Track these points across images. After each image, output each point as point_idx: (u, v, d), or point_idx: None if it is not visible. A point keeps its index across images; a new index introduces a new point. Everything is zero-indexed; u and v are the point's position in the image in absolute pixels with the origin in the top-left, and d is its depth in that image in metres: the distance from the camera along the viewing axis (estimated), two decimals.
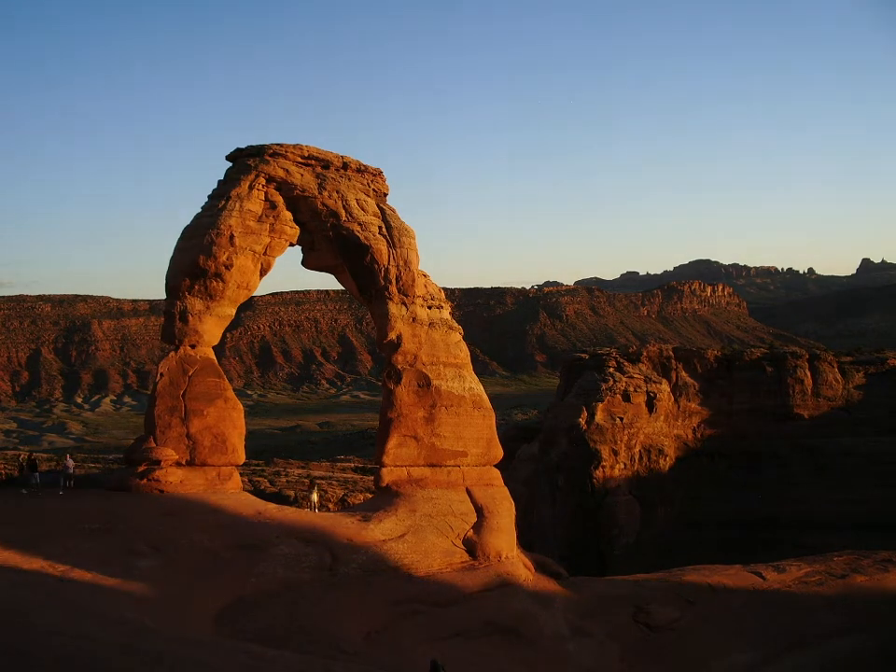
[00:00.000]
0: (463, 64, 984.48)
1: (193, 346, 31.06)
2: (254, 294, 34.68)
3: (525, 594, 30.62)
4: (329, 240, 32.13)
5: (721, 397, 69.40)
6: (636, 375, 66.08)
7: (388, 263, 31.87)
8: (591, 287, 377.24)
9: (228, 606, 22.59)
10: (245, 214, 30.42)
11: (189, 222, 31.22)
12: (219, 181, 32.06)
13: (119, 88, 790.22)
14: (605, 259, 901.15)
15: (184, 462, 29.63)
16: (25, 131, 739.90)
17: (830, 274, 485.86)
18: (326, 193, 31.49)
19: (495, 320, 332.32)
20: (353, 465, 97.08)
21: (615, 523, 60.16)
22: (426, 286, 34.04)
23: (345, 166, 32.91)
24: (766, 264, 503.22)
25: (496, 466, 34.70)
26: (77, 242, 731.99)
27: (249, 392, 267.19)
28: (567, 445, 62.63)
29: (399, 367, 32.65)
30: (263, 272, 32.10)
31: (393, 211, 33.43)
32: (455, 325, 35.13)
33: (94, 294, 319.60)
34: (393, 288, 32.09)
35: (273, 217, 31.28)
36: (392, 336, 32.31)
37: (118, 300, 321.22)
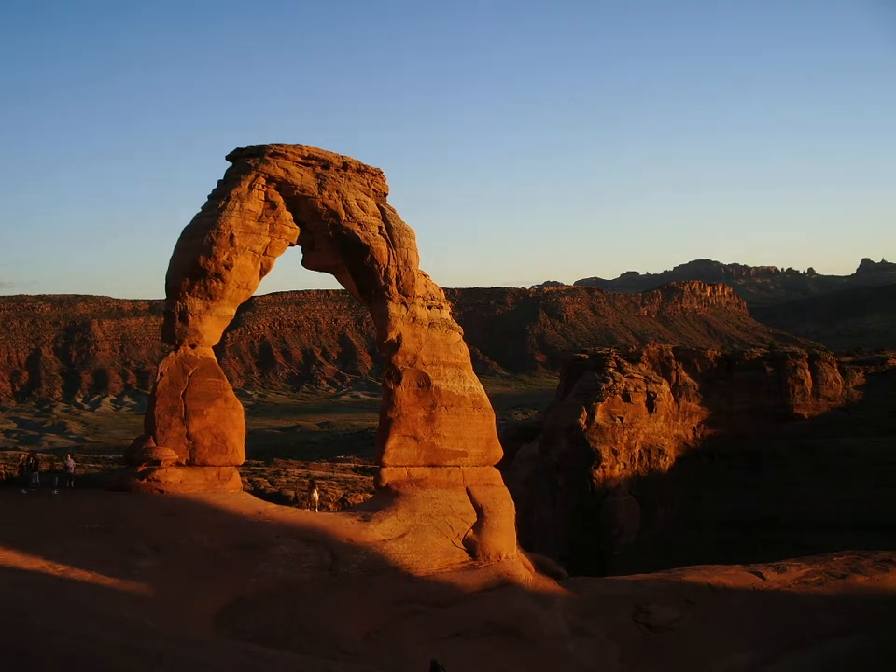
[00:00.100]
0: (463, 64, 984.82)
1: (193, 346, 31.07)
2: (254, 294, 34.68)
3: (525, 594, 30.61)
4: (329, 240, 32.13)
5: (721, 397, 69.40)
6: (636, 375, 66.08)
7: (388, 263, 31.87)
8: (591, 287, 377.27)
9: (228, 606, 22.60)
10: (245, 214, 30.42)
11: (189, 222, 31.24)
12: (219, 181, 32.06)
13: (119, 88, 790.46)
14: (605, 259, 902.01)
15: (184, 462, 29.64)
16: (25, 131, 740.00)
17: (830, 274, 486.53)
18: (326, 193, 31.50)
19: (495, 320, 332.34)
20: (353, 465, 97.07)
21: (615, 523, 60.15)
22: (426, 286, 34.04)
23: (345, 166, 32.92)
24: (766, 264, 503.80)
25: (496, 466, 34.70)
26: (77, 242, 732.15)
27: (249, 392, 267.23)
28: (567, 445, 62.63)
29: (399, 367, 32.65)
30: (263, 272, 32.10)
31: (393, 211, 33.44)
32: (455, 325, 35.13)
33: (94, 294, 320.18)
34: (393, 288, 32.10)
35: (273, 217, 31.28)
36: (392, 336, 32.31)
37: (118, 300, 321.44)
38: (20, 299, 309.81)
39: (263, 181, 30.93)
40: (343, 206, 31.59)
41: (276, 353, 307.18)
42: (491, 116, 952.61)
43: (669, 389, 67.42)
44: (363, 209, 32.11)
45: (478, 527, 31.38)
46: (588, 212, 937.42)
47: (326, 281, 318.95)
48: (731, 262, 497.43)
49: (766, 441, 67.34)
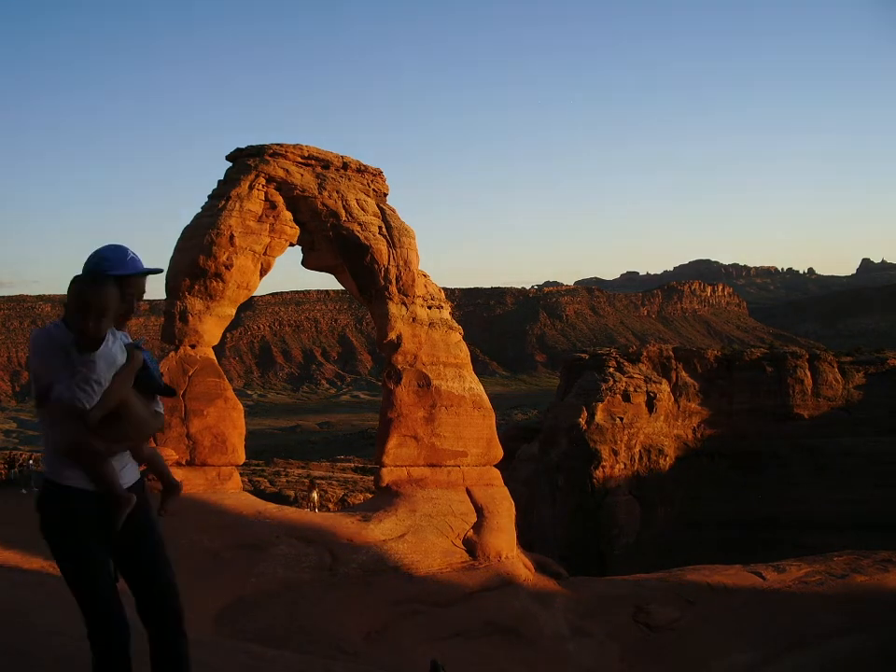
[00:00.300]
0: (464, 64, 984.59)
1: (193, 346, 31.09)
2: (254, 294, 34.72)
3: (525, 594, 30.64)
4: (329, 240, 32.16)
5: (721, 397, 69.41)
6: (636, 375, 66.09)
7: (388, 263, 31.90)
8: (591, 287, 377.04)
9: (228, 606, 22.60)
10: (245, 214, 30.44)
11: (189, 222, 31.26)
12: (219, 181, 32.08)
13: (119, 88, 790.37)
14: (605, 258, 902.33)
15: (184, 462, 29.66)
16: (26, 131, 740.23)
17: (830, 274, 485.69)
18: (326, 193, 31.52)
19: (495, 320, 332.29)
20: (353, 465, 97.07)
21: (615, 523, 60.17)
22: (426, 286, 34.07)
23: (345, 166, 32.94)
24: (766, 264, 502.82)
25: (496, 466, 34.72)
26: (78, 242, 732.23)
27: (249, 392, 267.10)
28: (567, 445, 62.64)
29: (399, 367, 32.67)
30: (263, 272, 32.13)
31: (393, 211, 33.46)
32: (455, 325, 35.15)
33: None
34: (393, 288, 32.12)
35: (273, 217, 31.30)
36: (392, 336, 32.33)
37: None
38: (20, 299, 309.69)
39: (263, 181, 30.96)
40: (343, 206, 31.62)
41: (276, 353, 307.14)
42: (491, 116, 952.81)
43: (669, 389, 67.43)
44: (363, 209, 32.14)
45: (478, 527, 31.40)
46: (588, 212, 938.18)
47: (326, 281, 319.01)
48: (731, 262, 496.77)
49: (766, 441, 67.34)
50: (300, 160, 31.80)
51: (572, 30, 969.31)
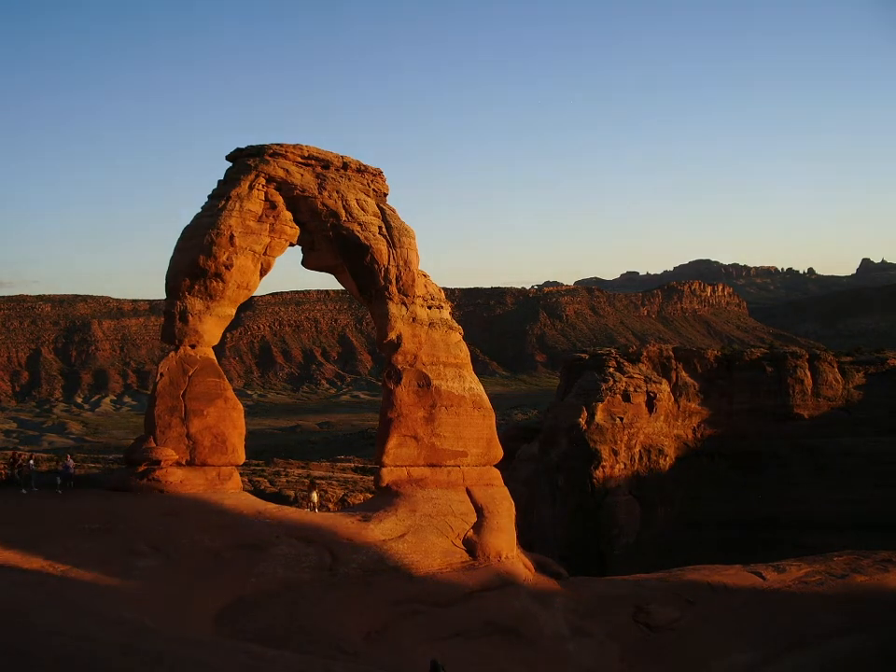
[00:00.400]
0: (464, 64, 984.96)
1: (193, 346, 31.08)
2: (254, 294, 34.71)
3: (525, 594, 30.63)
4: (329, 240, 32.15)
5: (721, 397, 69.39)
6: (636, 375, 66.08)
7: (388, 263, 31.89)
8: (591, 287, 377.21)
9: (228, 606, 22.60)
10: (245, 214, 30.43)
11: (189, 222, 31.25)
12: (219, 181, 32.07)
13: (119, 88, 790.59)
14: (605, 258, 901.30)
15: (184, 462, 29.65)
16: (26, 131, 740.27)
17: (830, 274, 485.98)
18: (326, 193, 31.51)
19: (495, 320, 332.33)
20: (353, 465, 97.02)
21: (615, 523, 60.15)
22: (426, 286, 34.06)
23: (345, 166, 32.93)
24: (766, 264, 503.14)
25: (496, 466, 34.71)
26: (77, 242, 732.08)
27: (249, 392, 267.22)
28: (567, 445, 62.62)
29: (399, 367, 32.66)
30: (263, 272, 32.11)
31: (393, 211, 33.45)
32: (455, 325, 35.14)
33: (94, 294, 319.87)
34: (393, 288, 32.11)
35: (273, 217, 31.29)
36: (392, 336, 32.33)
37: (118, 300, 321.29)
38: (20, 299, 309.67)
39: (263, 181, 30.95)
40: (343, 206, 31.61)
41: (276, 353, 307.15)
42: (491, 116, 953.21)
43: (669, 389, 67.41)
44: (363, 209, 32.13)
45: (478, 527, 31.38)
46: (588, 212, 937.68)
47: (326, 281, 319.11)
48: (731, 262, 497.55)
49: (766, 441, 67.32)
50: (300, 160, 31.79)
51: (572, 30, 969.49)
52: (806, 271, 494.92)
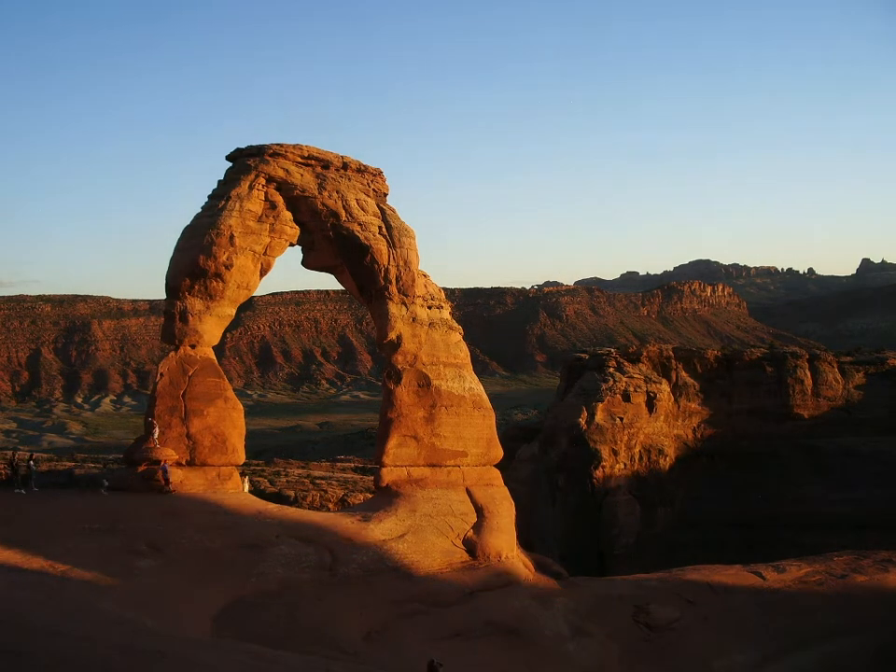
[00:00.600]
0: (464, 64, 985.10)
1: (193, 346, 31.08)
2: (254, 294, 34.70)
3: (525, 594, 30.62)
4: (329, 240, 32.15)
5: (721, 397, 69.45)
6: (636, 375, 66.11)
7: (388, 263, 31.89)
8: (591, 287, 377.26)
9: (228, 606, 22.59)
10: (244, 214, 30.43)
11: (189, 222, 31.24)
12: (219, 181, 32.06)
13: (119, 88, 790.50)
14: (605, 258, 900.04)
15: (184, 462, 29.65)
16: (25, 131, 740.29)
17: (830, 274, 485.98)
18: (326, 193, 31.50)
19: (495, 320, 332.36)
20: (353, 465, 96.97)
21: (615, 523, 60.19)
22: (426, 286, 34.06)
23: (345, 166, 32.92)
24: (766, 264, 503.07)
25: (496, 466, 34.70)
26: (77, 242, 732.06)
27: (249, 392, 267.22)
28: (567, 445, 62.66)
29: (399, 367, 32.66)
30: (263, 272, 32.11)
31: (393, 211, 33.45)
32: (455, 325, 35.14)
33: (94, 294, 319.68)
34: (393, 288, 32.11)
35: (273, 217, 31.28)
36: (392, 336, 32.32)
37: (118, 300, 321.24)
38: (20, 299, 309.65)
39: (263, 181, 30.94)
40: (343, 206, 31.61)
41: (276, 353, 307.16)
42: (491, 116, 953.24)
43: (669, 389, 67.45)
44: (363, 209, 32.13)
45: (478, 527, 31.38)
46: (588, 212, 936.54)
47: (326, 281, 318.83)
48: (731, 262, 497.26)
49: (766, 441, 67.38)
50: (300, 160, 31.78)
51: (572, 30, 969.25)
52: (806, 271, 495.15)
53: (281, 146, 31.37)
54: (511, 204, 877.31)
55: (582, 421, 62.36)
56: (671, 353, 70.75)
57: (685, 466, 66.39)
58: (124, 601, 19.58)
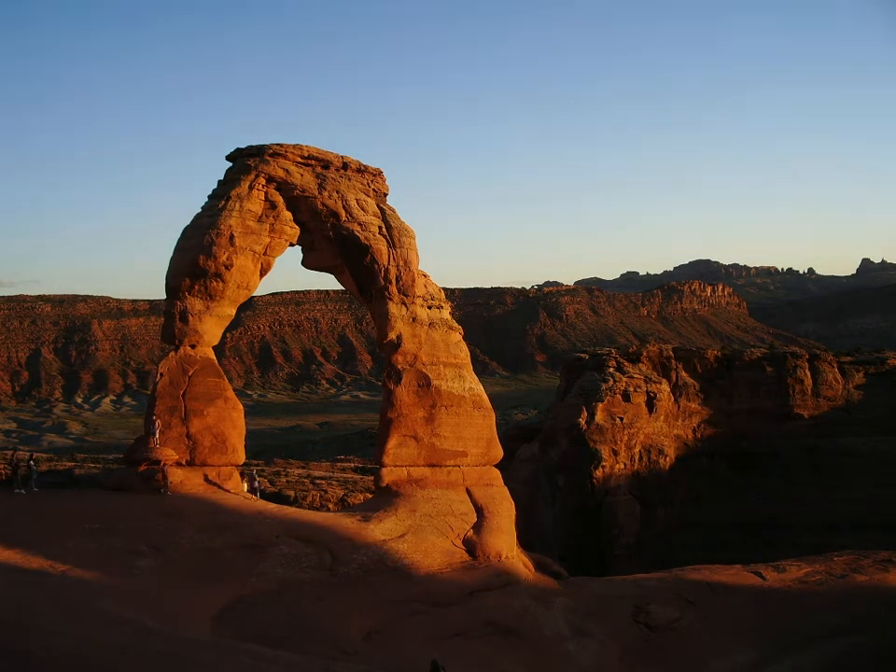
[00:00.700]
0: (464, 64, 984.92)
1: (193, 346, 31.09)
2: (254, 294, 34.72)
3: (525, 594, 30.61)
4: (328, 240, 32.15)
5: (721, 397, 69.42)
6: (636, 375, 66.09)
7: (388, 263, 31.89)
8: (591, 287, 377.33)
9: (228, 606, 22.59)
10: (244, 214, 30.44)
11: (189, 222, 31.25)
12: (219, 181, 32.07)
13: (119, 88, 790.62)
14: (605, 259, 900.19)
15: (184, 462, 29.65)
16: (25, 130, 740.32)
17: (830, 274, 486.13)
18: (326, 193, 31.51)
19: (495, 320, 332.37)
20: (353, 465, 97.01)
21: (615, 523, 60.15)
22: (426, 286, 34.06)
23: (345, 166, 32.94)
24: (766, 264, 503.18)
25: (496, 466, 34.70)
26: (77, 242, 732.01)
27: (249, 392, 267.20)
28: (567, 445, 62.64)
29: (399, 367, 32.66)
30: (263, 272, 32.12)
31: (393, 211, 33.46)
32: (455, 325, 35.14)
33: (94, 294, 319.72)
34: (393, 288, 32.11)
35: (273, 217, 31.29)
36: (392, 336, 32.32)
37: (118, 300, 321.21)
38: (20, 299, 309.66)
39: (263, 181, 30.96)
40: (343, 206, 31.61)
41: (276, 353, 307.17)
42: (491, 115, 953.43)
43: (669, 389, 67.43)
44: (363, 209, 32.13)
45: (478, 527, 31.38)
46: (588, 212, 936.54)
47: (326, 281, 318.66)
48: (731, 262, 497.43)
49: (766, 441, 67.35)
50: (300, 160, 31.79)
51: (572, 30, 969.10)
52: (806, 271, 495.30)
53: (281, 146, 31.38)
54: (511, 204, 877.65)
55: (582, 421, 62.34)
56: (671, 353, 70.73)
57: (685, 466, 66.36)
58: (124, 601, 19.57)
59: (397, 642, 24.65)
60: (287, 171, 31.14)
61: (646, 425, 64.98)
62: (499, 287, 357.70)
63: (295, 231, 32.10)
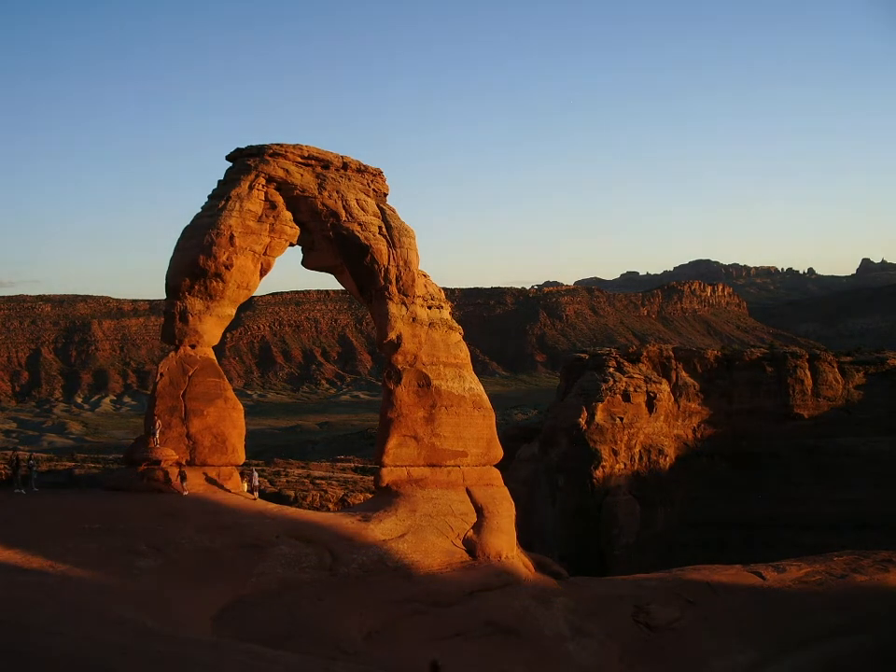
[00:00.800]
0: (463, 64, 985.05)
1: (193, 346, 31.09)
2: (254, 294, 34.72)
3: (525, 594, 30.62)
4: (328, 240, 32.15)
5: (721, 397, 69.45)
6: (636, 375, 66.11)
7: (388, 263, 31.89)
8: (591, 287, 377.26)
9: (228, 606, 22.60)
10: (244, 214, 30.43)
11: (189, 222, 31.24)
12: (219, 181, 32.07)
13: (119, 88, 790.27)
14: (605, 259, 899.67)
15: (184, 462, 29.65)
16: (25, 130, 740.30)
17: (830, 274, 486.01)
18: (326, 193, 31.51)
19: (495, 320, 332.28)
20: (353, 465, 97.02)
21: (615, 523, 60.16)
22: (426, 286, 34.06)
23: (345, 166, 32.93)
24: (766, 264, 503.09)
25: (496, 466, 34.71)
26: (77, 242, 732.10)
27: (249, 392, 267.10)
28: (567, 445, 62.66)
29: (398, 367, 32.66)
30: (263, 272, 32.12)
31: (393, 211, 33.45)
32: (455, 325, 35.14)
33: (94, 294, 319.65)
34: (393, 288, 32.10)
35: (273, 217, 31.29)
36: (392, 336, 32.32)
37: (118, 300, 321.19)
38: (20, 299, 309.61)
39: (263, 181, 30.96)
40: (343, 206, 31.61)
41: (276, 353, 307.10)
42: (491, 115, 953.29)
43: (669, 389, 67.45)
44: (363, 209, 32.13)
45: (478, 527, 31.38)
46: (588, 212, 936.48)
47: (326, 281, 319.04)
48: (731, 262, 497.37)
49: (766, 441, 67.37)
50: (300, 160, 31.79)
51: (572, 30, 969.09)
52: (806, 271, 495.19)
53: (281, 146, 31.38)
54: (511, 204, 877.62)
55: (582, 421, 62.36)
56: (671, 353, 70.76)
57: (685, 466, 66.38)
58: (124, 601, 19.57)
59: (397, 642, 24.66)
60: (286, 171, 31.14)
61: (646, 425, 65.00)
62: (499, 287, 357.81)
63: (295, 231, 32.10)
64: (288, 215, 31.72)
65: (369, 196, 33.03)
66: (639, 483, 62.97)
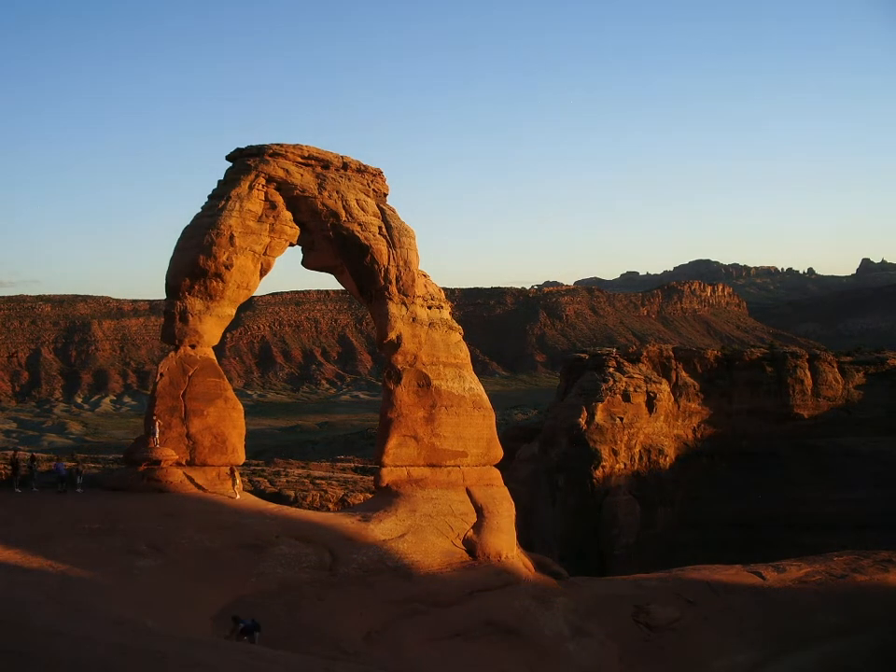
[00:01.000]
0: (463, 63, 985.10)
1: (193, 346, 31.09)
2: (254, 294, 34.72)
3: (525, 594, 30.61)
4: (328, 240, 32.15)
5: (721, 397, 69.49)
6: (636, 375, 66.14)
7: (388, 263, 31.89)
8: (591, 287, 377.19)
9: (228, 606, 22.59)
10: (244, 214, 30.43)
11: (189, 222, 31.24)
12: (219, 181, 32.07)
13: (119, 87, 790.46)
14: (605, 258, 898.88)
15: (184, 462, 29.65)
16: (25, 130, 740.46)
17: (830, 274, 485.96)
18: (326, 193, 31.51)
19: (495, 320, 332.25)
20: (353, 465, 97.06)
21: (615, 523, 60.19)
22: (426, 286, 34.06)
23: (345, 166, 32.93)
24: (766, 264, 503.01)
25: (496, 466, 34.71)
26: (77, 242, 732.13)
27: (249, 392, 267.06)
28: (567, 445, 62.68)
29: (399, 367, 32.66)
30: (263, 272, 32.12)
31: (393, 211, 33.45)
32: (455, 325, 35.14)
33: (94, 294, 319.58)
34: (393, 288, 32.11)
35: (273, 217, 31.29)
36: (392, 336, 32.32)
37: (118, 300, 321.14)
38: (20, 299, 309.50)
39: (263, 181, 30.95)
40: (343, 206, 31.61)
41: (276, 353, 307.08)
42: (491, 115, 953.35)
43: (669, 389, 67.48)
44: (363, 209, 32.13)
45: (478, 527, 31.38)
46: (588, 212, 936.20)
47: (326, 281, 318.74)
48: (731, 262, 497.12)
49: (766, 441, 67.41)
50: (300, 160, 31.79)
51: (572, 30, 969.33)
52: (806, 271, 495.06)
53: (281, 146, 31.38)
54: (511, 204, 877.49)
55: (582, 421, 62.38)
56: (671, 353, 70.79)
57: (685, 466, 66.41)
58: (124, 601, 19.58)
59: (397, 642, 24.66)
60: (286, 171, 31.14)
61: (646, 425, 65.02)
62: (499, 287, 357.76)
63: (295, 230, 32.10)
64: (288, 215, 31.72)
65: (369, 196, 33.03)
66: (639, 483, 63.00)
